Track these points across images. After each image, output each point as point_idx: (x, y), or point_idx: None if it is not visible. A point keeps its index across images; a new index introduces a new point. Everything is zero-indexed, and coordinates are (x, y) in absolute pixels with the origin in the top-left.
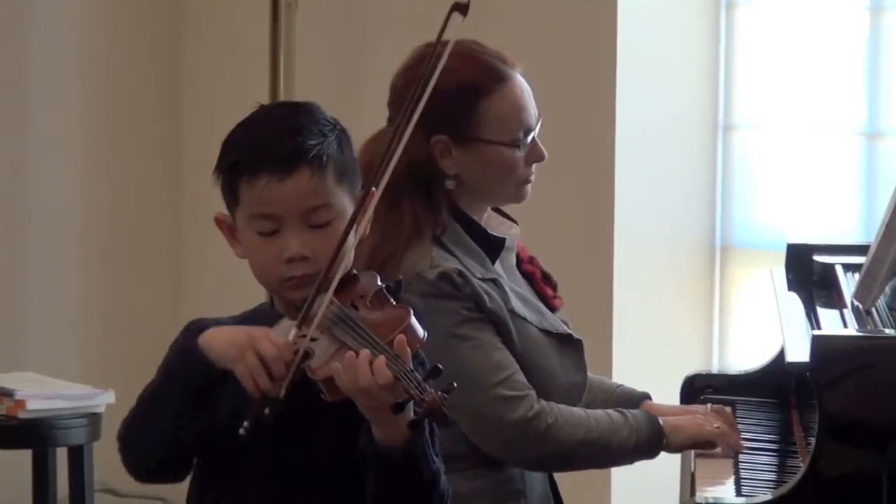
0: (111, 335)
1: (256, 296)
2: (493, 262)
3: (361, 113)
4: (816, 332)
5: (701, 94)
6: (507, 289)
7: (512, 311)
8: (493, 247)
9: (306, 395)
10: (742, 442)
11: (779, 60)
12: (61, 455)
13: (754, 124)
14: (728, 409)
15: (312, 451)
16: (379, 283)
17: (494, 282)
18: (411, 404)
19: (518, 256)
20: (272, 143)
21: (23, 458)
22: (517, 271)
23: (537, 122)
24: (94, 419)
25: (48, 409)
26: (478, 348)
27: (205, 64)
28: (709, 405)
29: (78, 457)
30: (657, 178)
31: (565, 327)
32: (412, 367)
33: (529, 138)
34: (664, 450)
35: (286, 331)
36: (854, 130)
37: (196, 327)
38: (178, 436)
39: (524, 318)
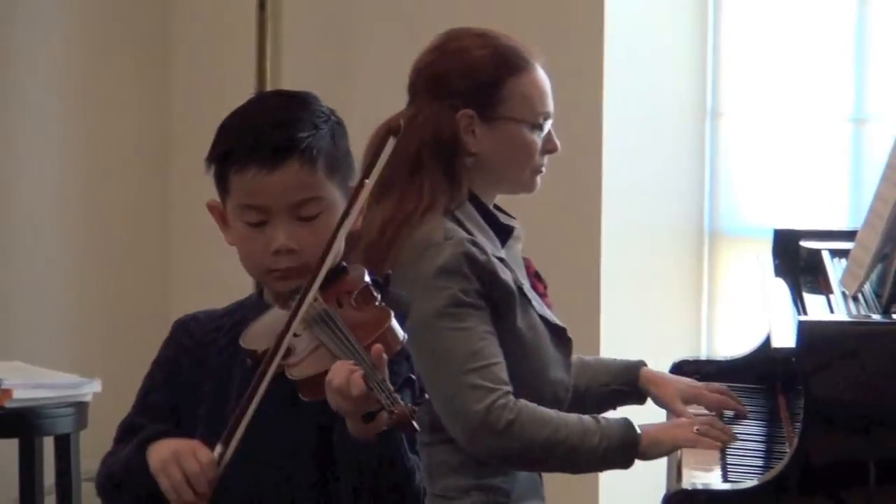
0: (98, 324)
1: (244, 286)
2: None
3: (349, 99)
4: (802, 318)
5: (689, 81)
6: (516, 271)
7: (521, 289)
8: (501, 232)
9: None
10: (732, 429)
11: (767, 47)
12: (48, 444)
13: (742, 111)
14: (725, 386)
15: (289, 440)
16: (367, 278)
17: (503, 262)
18: (384, 412)
19: None
20: (262, 135)
21: (9, 448)
22: (522, 262)
23: (552, 115)
24: (80, 408)
25: (35, 398)
26: (462, 331)
27: (192, 51)
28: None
29: (65, 446)
30: (645, 164)
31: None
32: (385, 377)
33: (547, 126)
34: (640, 459)
35: (274, 322)
36: (842, 117)
37: (181, 325)
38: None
39: (529, 301)
